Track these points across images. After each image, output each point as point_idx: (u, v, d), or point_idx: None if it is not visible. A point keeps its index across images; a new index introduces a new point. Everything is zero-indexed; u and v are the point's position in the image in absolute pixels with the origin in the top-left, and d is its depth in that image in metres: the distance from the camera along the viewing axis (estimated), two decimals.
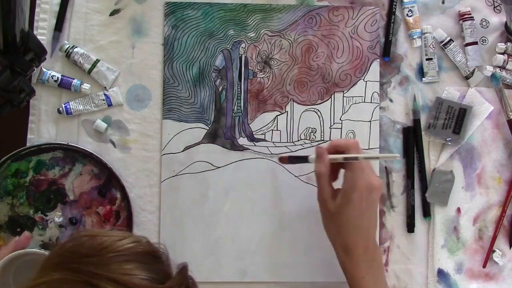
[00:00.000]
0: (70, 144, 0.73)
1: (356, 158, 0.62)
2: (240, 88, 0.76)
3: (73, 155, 0.73)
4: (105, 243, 0.47)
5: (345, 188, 0.63)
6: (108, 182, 0.73)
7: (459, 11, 0.77)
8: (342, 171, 0.66)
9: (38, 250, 0.65)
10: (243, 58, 0.76)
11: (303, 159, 0.68)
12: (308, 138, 0.76)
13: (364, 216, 0.63)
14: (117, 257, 0.46)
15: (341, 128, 0.76)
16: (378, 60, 0.76)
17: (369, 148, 0.75)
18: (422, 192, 0.75)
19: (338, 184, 0.65)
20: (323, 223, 0.66)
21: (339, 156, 0.64)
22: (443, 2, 0.77)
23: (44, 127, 0.74)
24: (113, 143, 0.75)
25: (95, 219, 0.73)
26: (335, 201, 0.63)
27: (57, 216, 0.73)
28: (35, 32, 0.74)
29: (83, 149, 0.73)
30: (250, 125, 0.75)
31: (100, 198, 0.73)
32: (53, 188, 0.73)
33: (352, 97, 0.76)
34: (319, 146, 0.67)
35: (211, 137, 0.75)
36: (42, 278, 0.45)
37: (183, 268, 0.50)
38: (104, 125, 0.74)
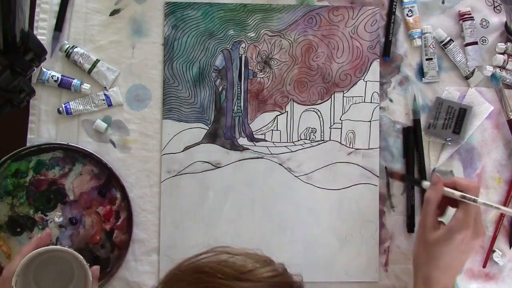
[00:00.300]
0: (70, 144, 0.73)
1: (474, 201, 0.62)
2: (240, 88, 0.76)
3: (73, 155, 0.73)
4: (248, 265, 0.46)
5: (452, 226, 0.63)
6: (108, 182, 0.73)
7: (459, 11, 0.77)
8: (450, 211, 0.66)
9: (61, 247, 0.66)
10: (243, 58, 0.76)
11: (415, 182, 0.71)
12: (308, 138, 0.76)
13: (457, 259, 0.63)
14: (255, 283, 0.45)
15: (341, 128, 0.76)
16: (378, 60, 0.76)
17: (369, 148, 0.75)
18: (422, 192, 0.75)
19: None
20: (414, 248, 0.67)
21: (457, 193, 0.64)
22: (443, 2, 0.77)
23: (44, 127, 0.74)
24: (113, 143, 0.75)
25: (95, 219, 0.73)
26: (436, 233, 0.63)
27: (57, 216, 0.73)
28: (35, 32, 0.74)
29: (83, 149, 0.73)
30: (250, 125, 0.75)
31: (100, 198, 0.73)
32: (53, 188, 0.73)
33: (352, 97, 0.76)
34: (437, 174, 0.67)
35: (211, 137, 0.75)
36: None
37: None
38: (104, 125, 0.74)
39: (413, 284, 0.66)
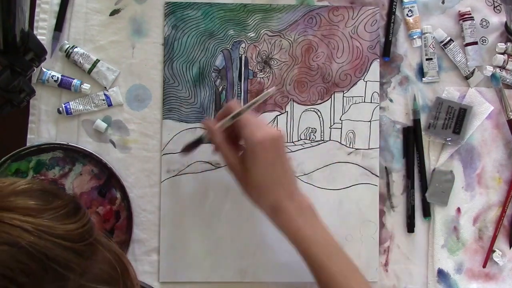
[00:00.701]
0: (70, 144, 0.73)
1: (239, 113, 0.62)
2: (240, 88, 0.76)
3: (73, 155, 0.73)
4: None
5: (247, 144, 0.62)
6: (108, 182, 0.73)
7: (459, 11, 0.77)
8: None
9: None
10: (243, 58, 0.76)
11: (198, 141, 0.69)
12: (308, 138, 0.76)
13: (277, 168, 0.62)
14: (8, 196, 0.44)
15: (341, 128, 0.76)
16: (378, 60, 0.76)
17: (369, 148, 0.75)
18: (422, 192, 0.75)
19: None
20: (243, 192, 0.64)
21: (226, 119, 0.63)
22: (443, 2, 0.77)
23: (44, 127, 0.74)
24: (113, 143, 0.75)
25: (95, 219, 0.73)
26: (242, 162, 0.62)
27: None
28: (35, 32, 0.74)
29: (83, 149, 0.73)
30: None
31: (100, 198, 0.73)
32: None
33: (352, 97, 0.76)
34: (204, 121, 0.68)
35: None
36: None
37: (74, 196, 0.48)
38: (104, 125, 0.74)
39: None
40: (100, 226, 0.73)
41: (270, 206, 0.63)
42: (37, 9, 0.75)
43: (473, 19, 0.76)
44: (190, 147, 0.70)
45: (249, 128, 0.61)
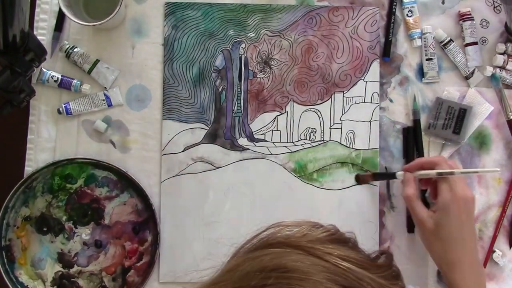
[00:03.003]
0: (127, 173, 0.72)
1: (452, 173, 0.64)
2: (240, 88, 0.76)
3: (125, 183, 0.73)
4: (303, 230, 0.48)
5: (442, 200, 0.64)
6: (146, 222, 0.73)
7: (459, 11, 0.77)
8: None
9: None
10: (243, 58, 0.76)
11: (390, 176, 0.71)
12: (308, 138, 0.76)
13: (465, 227, 0.64)
14: (320, 240, 0.47)
15: (341, 128, 0.76)
16: (378, 60, 0.76)
17: (369, 148, 0.75)
18: (422, 192, 0.75)
19: None
20: (425, 244, 0.67)
21: (432, 172, 0.65)
22: (443, 2, 0.77)
23: (44, 127, 0.74)
24: (113, 143, 0.75)
25: (119, 251, 0.73)
26: (433, 217, 0.64)
27: (85, 233, 0.73)
28: (35, 32, 0.74)
29: (137, 183, 0.72)
30: (250, 125, 0.75)
31: (132, 234, 0.73)
32: (93, 206, 0.73)
33: (352, 97, 0.76)
34: (406, 172, 0.68)
35: (211, 137, 0.75)
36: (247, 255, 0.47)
37: (389, 254, 0.52)
38: (104, 125, 0.74)
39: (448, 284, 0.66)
40: (120, 260, 0.73)
41: (450, 261, 0.64)
42: (37, 9, 0.75)
43: (473, 19, 0.76)
44: (375, 177, 0.73)
45: (449, 184, 0.64)
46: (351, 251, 0.48)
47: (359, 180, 0.75)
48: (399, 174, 0.69)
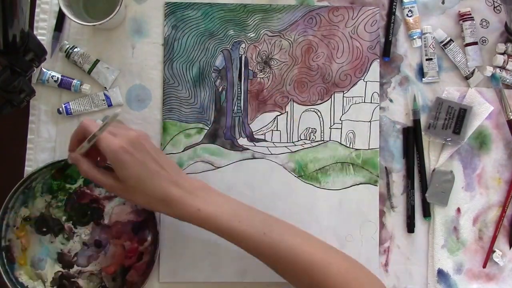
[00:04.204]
0: None
1: (95, 136, 0.60)
2: (240, 88, 0.76)
3: None
4: None
5: (111, 158, 0.59)
6: (145, 222, 0.73)
7: (459, 11, 0.77)
8: None
9: None
10: (243, 58, 0.76)
11: (65, 166, 0.70)
12: (308, 138, 0.76)
13: (149, 163, 0.60)
14: None
15: (341, 128, 0.76)
16: (378, 60, 0.76)
17: (369, 148, 0.75)
18: (422, 192, 0.75)
19: None
20: (132, 201, 0.64)
21: (84, 143, 0.61)
22: (443, 2, 0.77)
23: (44, 127, 0.74)
24: None
25: (119, 251, 0.72)
26: (115, 176, 0.60)
27: (85, 233, 0.73)
28: (35, 32, 0.74)
29: None
30: (250, 125, 0.75)
31: (132, 234, 0.73)
32: (93, 206, 0.73)
33: (352, 97, 0.76)
34: (70, 151, 0.63)
35: (211, 137, 0.75)
36: None
37: None
38: None
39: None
40: (120, 260, 0.72)
41: (159, 200, 0.60)
42: (37, 9, 0.75)
43: (473, 19, 0.76)
44: (58, 174, 0.72)
45: (104, 141, 0.59)
46: None
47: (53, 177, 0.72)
48: (68, 158, 0.64)
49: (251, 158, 0.75)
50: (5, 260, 0.70)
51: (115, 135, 0.60)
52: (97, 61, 0.74)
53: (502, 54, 0.76)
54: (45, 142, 0.74)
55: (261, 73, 0.76)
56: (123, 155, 0.59)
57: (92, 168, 0.62)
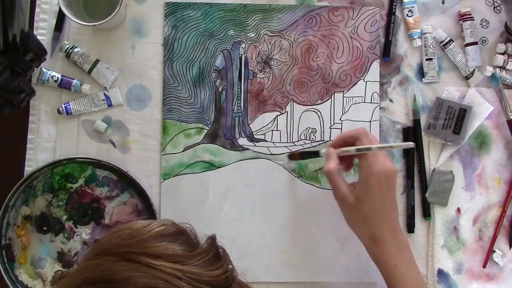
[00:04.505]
0: (128, 173, 0.72)
1: (369, 149, 0.62)
2: (240, 88, 0.76)
3: (126, 183, 0.73)
4: (133, 232, 0.48)
5: (362, 176, 0.63)
6: None
7: (459, 11, 0.77)
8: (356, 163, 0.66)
9: None
10: (243, 58, 0.76)
11: (314, 154, 0.68)
12: (308, 138, 0.76)
13: (386, 201, 0.63)
14: (148, 240, 0.47)
15: (341, 129, 0.76)
16: (378, 60, 0.76)
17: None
18: (422, 192, 0.75)
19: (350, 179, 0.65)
20: (346, 218, 0.66)
21: (351, 148, 0.64)
22: (443, 2, 0.77)
23: (44, 127, 0.74)
24: (113, 143, 0.75)
25: None
26: (354, 192, 0.63)
27: (85, 233, 0.73)
28: (35, 32, 0.74)
29: (138, 183, 0.72)
30: (250, 125, 0.75)
31: None
32: (93, 205, 0.73)
33: (352, 97, 0.76)
34: (328, 147, 0.66)
35: (211, 137, 0.75)
36: (83, 264, 0.46)
37: (212, 238, 0.51)
38: (104, 125, 0.74)
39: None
40: None
41: (372, 235, 0.63)
42: (37, 9, 0.75)
43: (473, 19, 0.76)
44: (302, 156, 0.71)
45: (369, 159, 0.62)
46: (173, 244, 0.47)
47: (291, 158, 0.74)
48: (322, 152, 0.67)
49: (251, 158, 0.75)
50: (5, 259, 0.71)
51: (377, 158, 0.63)
52: (97, 61, 0.74)
53: (502, 54, 0.76)
54: (45, 142, 0.74)
55: (261, 73, 0.76)
56: (375, 182, 0.62)
57: (337, 169, 0.64)
